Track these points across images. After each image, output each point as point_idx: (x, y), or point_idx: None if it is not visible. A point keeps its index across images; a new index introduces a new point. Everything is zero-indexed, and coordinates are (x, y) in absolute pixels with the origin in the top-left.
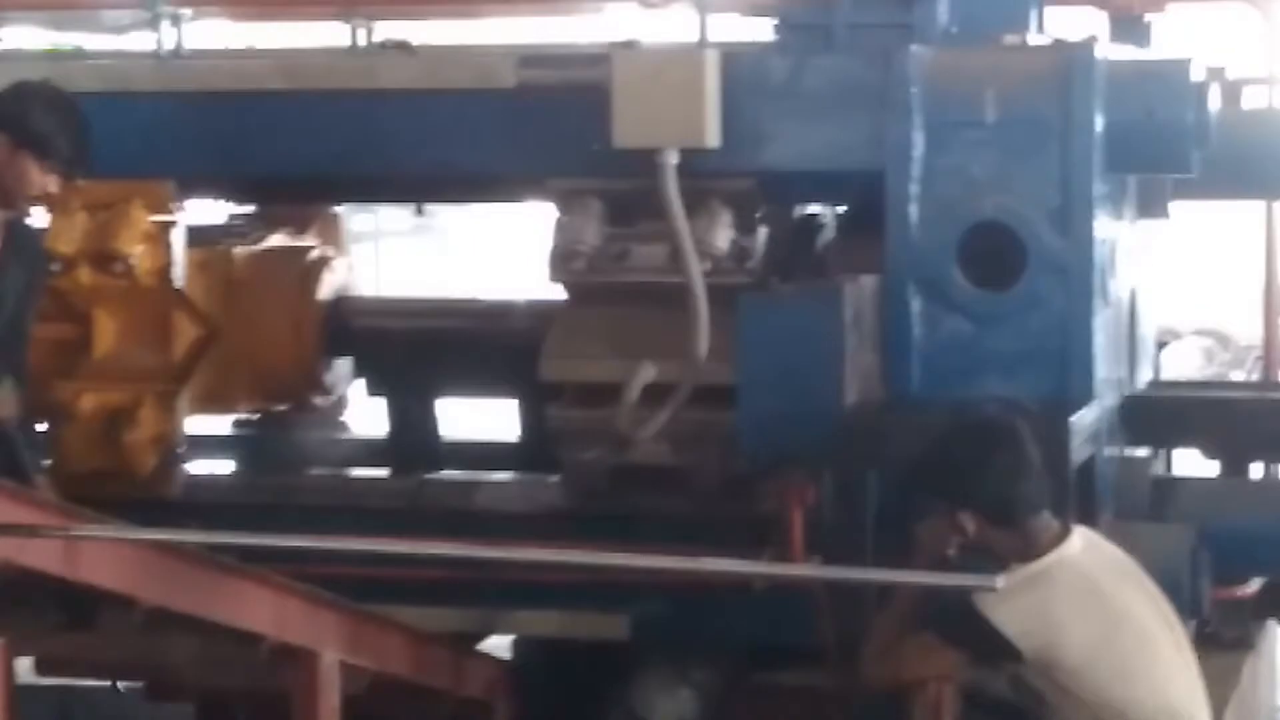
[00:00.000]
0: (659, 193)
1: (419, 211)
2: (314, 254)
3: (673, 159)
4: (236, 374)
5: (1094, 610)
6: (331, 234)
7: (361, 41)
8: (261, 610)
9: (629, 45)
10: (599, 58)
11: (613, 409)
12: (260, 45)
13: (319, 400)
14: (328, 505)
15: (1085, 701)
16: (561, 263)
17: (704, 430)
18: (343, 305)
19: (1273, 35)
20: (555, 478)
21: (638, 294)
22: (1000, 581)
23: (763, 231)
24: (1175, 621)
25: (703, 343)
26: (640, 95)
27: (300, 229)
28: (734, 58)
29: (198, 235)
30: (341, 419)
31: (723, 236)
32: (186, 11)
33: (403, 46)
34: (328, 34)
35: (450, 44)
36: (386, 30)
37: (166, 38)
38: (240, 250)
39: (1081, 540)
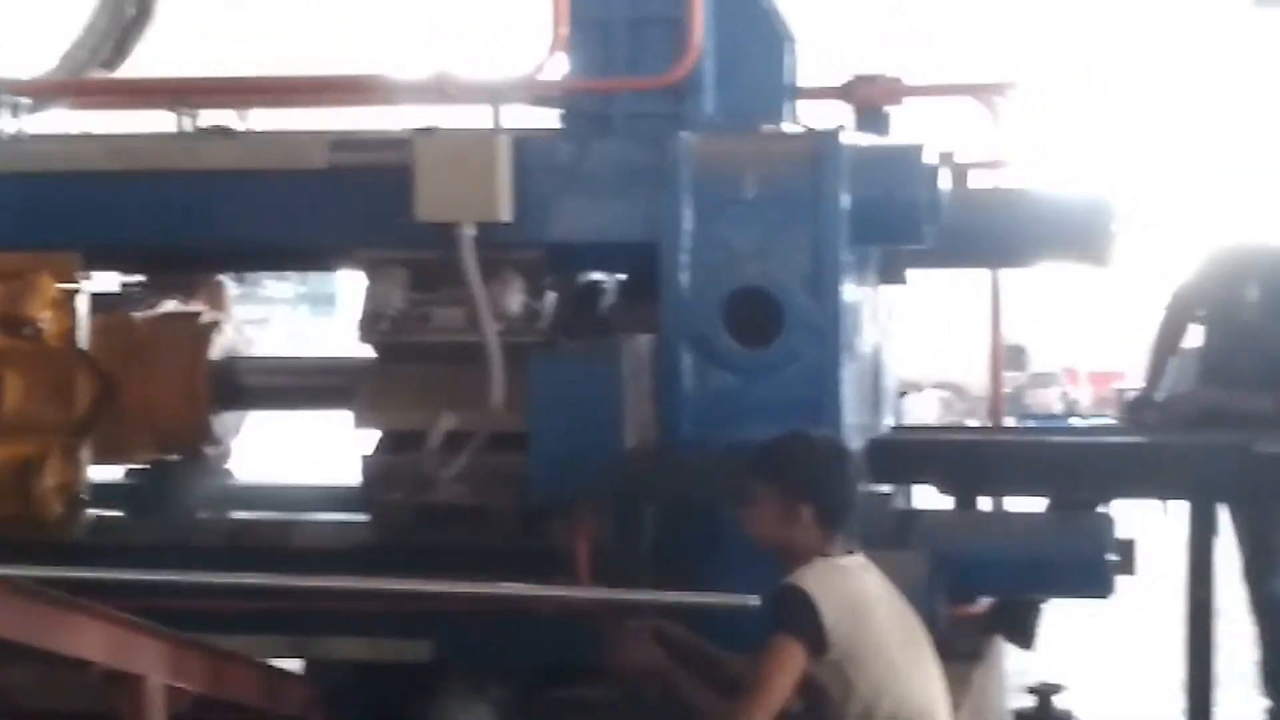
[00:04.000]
0: (458, 262)
1: (240, 280)
2: (205, 318)
3: (470, 231)
4: (135, 427)
5: (880, 609)
6: (217, 299)
7: (188, 127)
8: (92, 639)
9: (429, 130)
10: (402, 141)
11: (417, 454)
12: (98, 129)
13: (209, 449)
14: (159, 544)
15: (864, 695)
16: (370, 325)
17: (499, 472)
18: (231, 364)
19: (995, 125)
20: (366, 517)
21: (439, 352)
22: (754, 600)
23: (551, 296)
24: (926, 638)
25: (498, 394)
26: (440, 174)
27: (188, 296)
28: (524, 141)
29: (99, 301)
30: (227, 466)
31: (515, 300)
32: (26, 100)
33: (224, 131)
34: (157, 120)
35: (269, 129)
36: (211, 118)
37: (9, 124)
38: (139, 315)
39: (861, 556)
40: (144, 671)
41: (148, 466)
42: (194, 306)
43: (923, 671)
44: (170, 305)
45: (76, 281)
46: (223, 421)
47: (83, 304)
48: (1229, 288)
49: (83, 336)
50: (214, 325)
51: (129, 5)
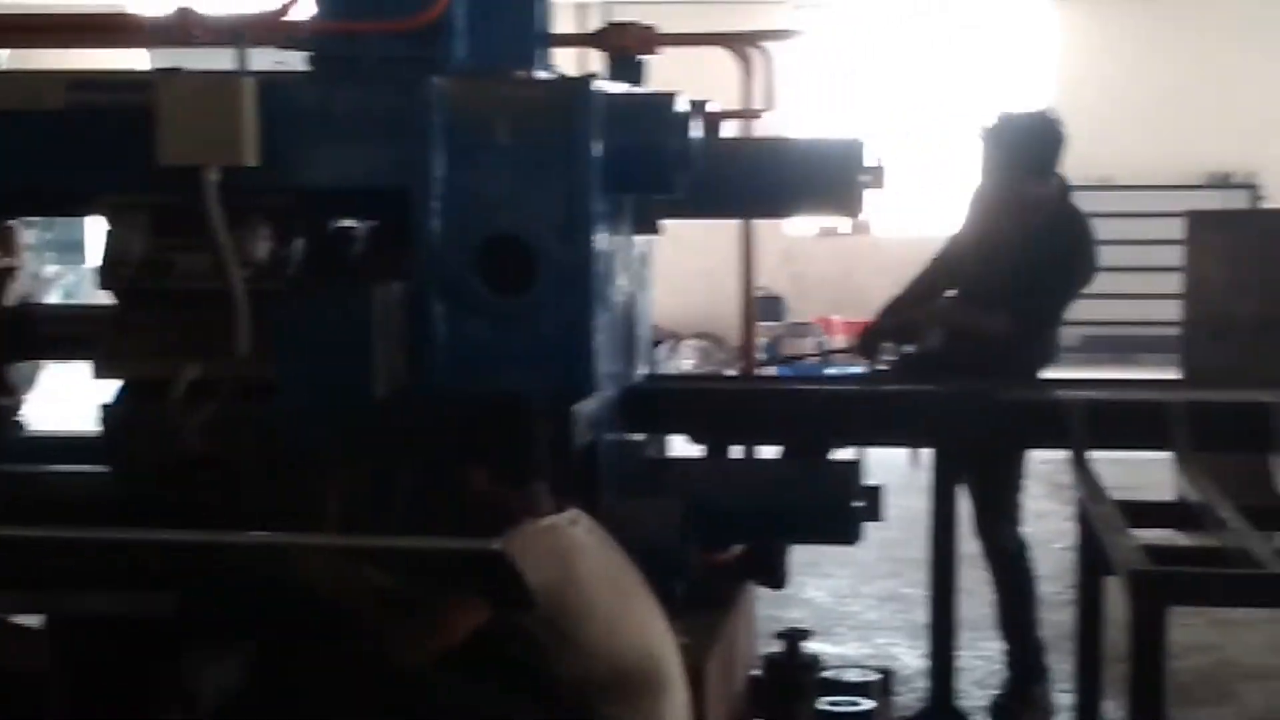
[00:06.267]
0: (202, 207)
1: None
2: None
3: (214, 176)
4: None
5: (592, 564)
6: (8, 245)
7: None
8: None
9: (171, 72)
10: (143, 83)
11: (161, 405)
12: None
13: (2, 400)
14: None
15: (582, 649)
16: (111, 271)
17: (247, 422)
18: (25, 311)
19: (747, 76)
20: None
21: (184, 300)
22: (498, 544)
23: (300, 242)
24: (643, 585)
25: (244, 343)
26: (183, 117)
27: None
28: (271, 84)
29: None
30: (19, 416)
31: (262, 247)
32: None
33: None
34: None
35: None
36: None
37: None
38: None
39: (574, 511)
40: None
41: None
42: None
43: (640, 619)
44: None
45: None
46: (17, 371)
47: None
48: (987, 217)
49: None
50: (8, 271)
51: None
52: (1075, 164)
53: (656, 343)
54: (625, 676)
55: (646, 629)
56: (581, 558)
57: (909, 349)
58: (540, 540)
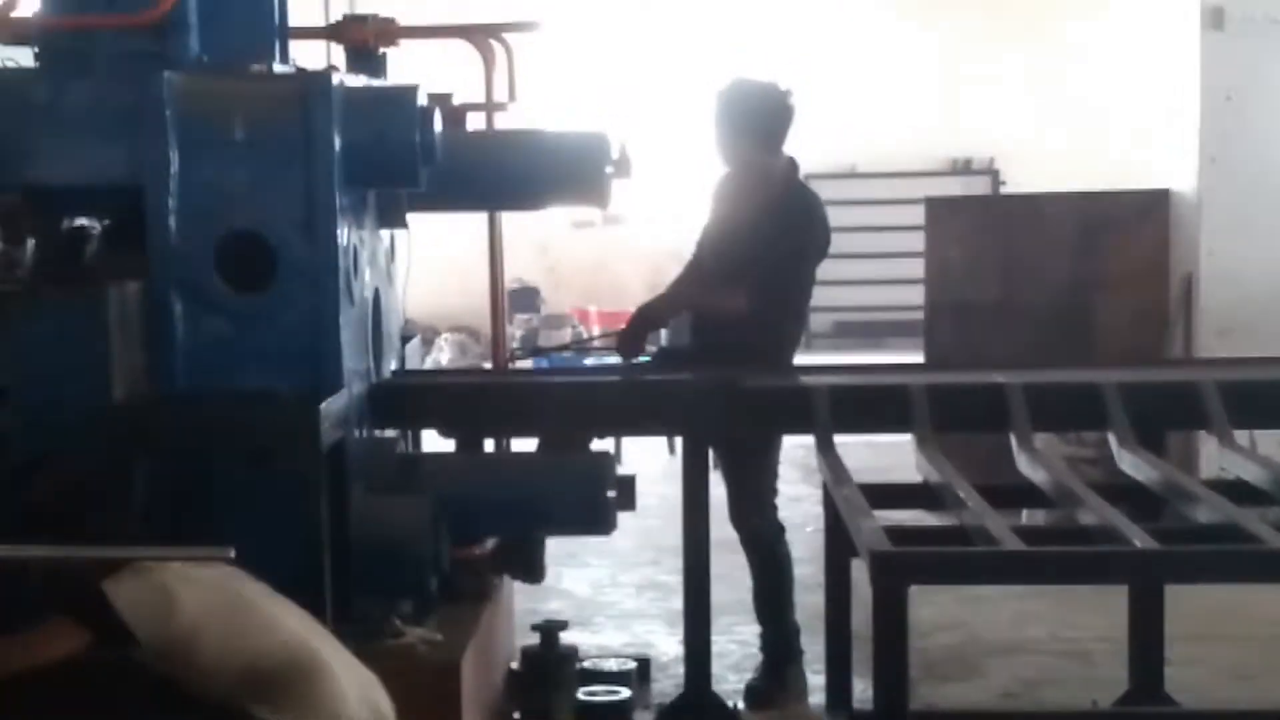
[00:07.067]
0: None
1: None
2: None
3: None
4: None
5: (196, 589)
6: None
7: None
8: None
9: None
10: None
11: None
12: None
13: None
14: None
15: (203, 669)
16: None
17: None
18: None
19: (489, 69)
20: None
21: None
22: (230, 552)
23: (31, 242)
24: (266, 588)
25: None
26: None
27: None
28: None
29: None
30: None
31: None
32: None
33: None
34: None
35: None
36: None
37: None
38: None
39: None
40: None
41: None
42: None
43: (264, 623)
44: None
45: None
46: None
47: None
48: (723, 198)
49: None
50: None
51: None
52: (821, 153)
53: (408, 338)
54: (264, 677)
55: (275, 628)
56: (184, 585)
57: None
58: (139, 580)
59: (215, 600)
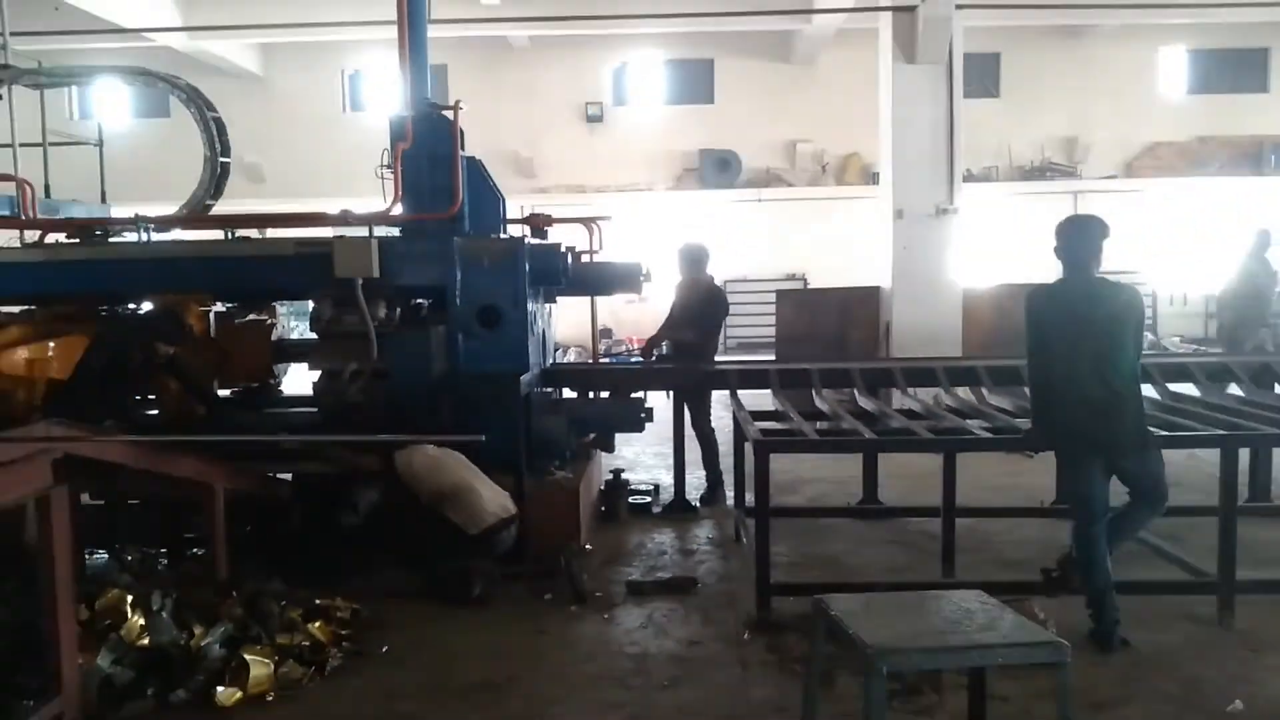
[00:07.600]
0: (355, 297)
1: None
2: (268, 321)
3: (360, 282)
4: (236, 374)
5: (434, 455)
6: (271, 312)
7: None
8: (185, 465)
9: (340, 237)
10: (327, 241)
11: (337, 381)
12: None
13: (272, 381)
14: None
15: (432, 489)
16: (314, 322)
17: (378, 389)
18: (279, 341)
19: (590, 234)
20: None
21: (345, 335)
22: (483, 438)
23: (398, 310)
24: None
25: (373, 353)
26: (343, 254)
27: (259, 310)
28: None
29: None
30: (280, 387)
31: (379, 309)
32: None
33: None
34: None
35: None
36: None
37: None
38: (238, 320)
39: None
40: (212, 481)
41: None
42: (262, 315)
43: (454, 469)
44: (252, 315)
45: (208, 306)
46: (279, 368)
47: (211, 317)
48: (681, 291)
49: (213, 331)
50: (271, 324)
51: (217, 166)
52: (726, 267)
53: (557, 348)
54: (448, 492)
55: (457, 472)
56: (426, 456)
57: (660, 351)
58: (417, 451)
59: (437, 461)
